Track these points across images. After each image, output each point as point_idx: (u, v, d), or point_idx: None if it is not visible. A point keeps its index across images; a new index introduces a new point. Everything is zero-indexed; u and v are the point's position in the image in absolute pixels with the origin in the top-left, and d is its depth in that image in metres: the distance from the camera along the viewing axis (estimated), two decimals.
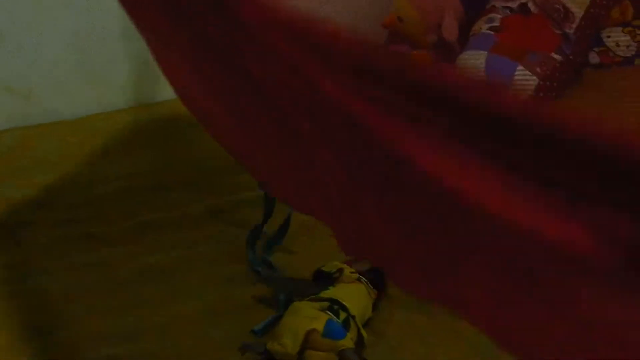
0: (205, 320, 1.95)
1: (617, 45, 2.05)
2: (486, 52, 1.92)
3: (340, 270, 1.97)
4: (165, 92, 2.67)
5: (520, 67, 1.88)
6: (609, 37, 2.10)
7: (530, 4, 2.10)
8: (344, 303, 1.84)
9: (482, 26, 2.16)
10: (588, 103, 1.89)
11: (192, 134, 2.63)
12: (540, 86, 1.90)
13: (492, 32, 2.06)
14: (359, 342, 1.83)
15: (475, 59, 1.92)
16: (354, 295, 1.91)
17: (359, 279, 1.96)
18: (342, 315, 1.82)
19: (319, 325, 1.75)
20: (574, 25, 2.03)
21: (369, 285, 1.97)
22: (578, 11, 2.07)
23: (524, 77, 1.88)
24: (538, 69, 1.87)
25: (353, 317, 1.84)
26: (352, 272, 1.97)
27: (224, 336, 1.88)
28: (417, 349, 1.86)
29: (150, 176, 2.54)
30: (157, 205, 2.39)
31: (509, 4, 2.18)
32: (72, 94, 2.85)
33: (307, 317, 1.77)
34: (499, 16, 2.15)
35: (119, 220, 2.32)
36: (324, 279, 1.99)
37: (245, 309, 1.98)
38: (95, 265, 2.13)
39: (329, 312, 1.80)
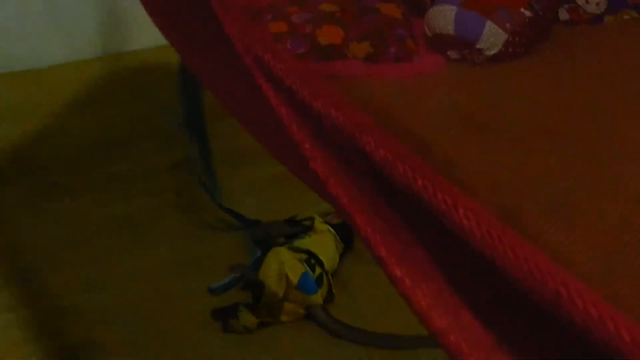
0: (170, 271, 1.96)
1: (587, 2, 2.05)
2: (456, 7, 1.90)
3: (311, 219, 2.01)
4: (135, 42, 2.64)
5: (489, 23, 1.87)
6: None
7: None
8: (321, 258, 1.87)
9: None
10: (556, 60, 1.89)
11: (162, 85, 2.60)
12: (509, 42, 1.90)
13: None
14: (328, 297, 1.86)
15: (444, 14, 1.91)
16: (328, 247, 1.94)
17: (328, 230, 2.00)
18: (318, 270, 1.85)
19: (295, 276, 1.78)
20: None
21: (337, 237, 2.00)
22: None
23: (493, 33, 1.88)
24: (507, 25, 1.86)
25: (327, 272, 1.87)
26: (321, 223, 2.01)
27: (188, 287, 1.90)
28: (382, 303, 1.88)
29: (117, 127, 2.52)
30: (125, 157, 2.38)
31: None
32: (39, 43, 2.80)
33: (286, 263, 1.81)
34: None
35: (86, 171, 2.31)
36: (296, 225, 2.02)
37: (212, 260, 1.99)
38: (62, 215, 2.13)
39: (306, 265, 1.83)
